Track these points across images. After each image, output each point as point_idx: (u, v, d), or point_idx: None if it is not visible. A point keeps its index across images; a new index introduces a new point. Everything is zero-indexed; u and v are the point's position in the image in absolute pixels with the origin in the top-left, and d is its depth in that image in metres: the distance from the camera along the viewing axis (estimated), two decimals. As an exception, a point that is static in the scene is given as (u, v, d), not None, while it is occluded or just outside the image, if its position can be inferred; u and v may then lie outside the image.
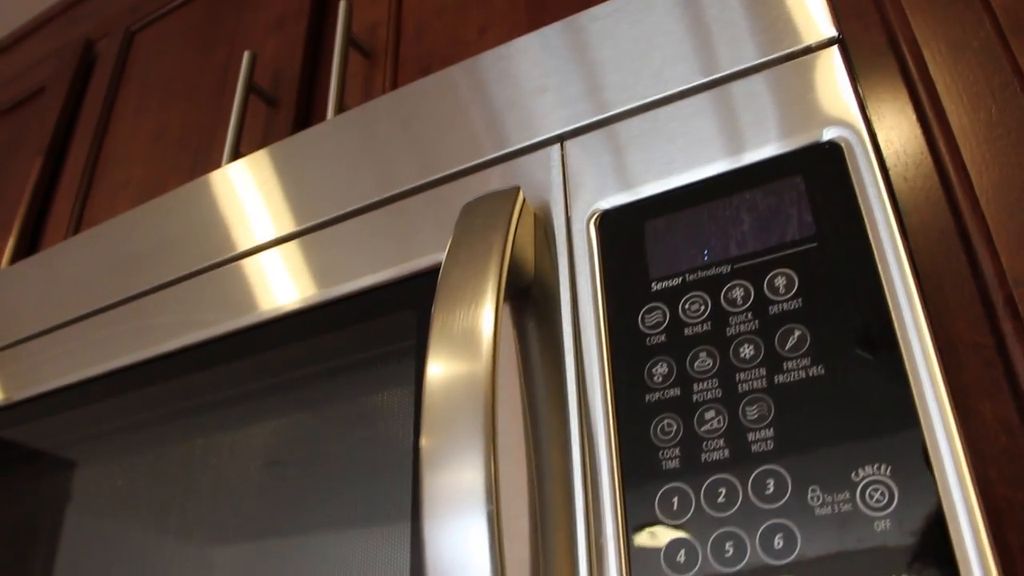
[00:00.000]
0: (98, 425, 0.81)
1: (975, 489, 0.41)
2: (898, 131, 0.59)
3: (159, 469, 0.73)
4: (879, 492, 0.42)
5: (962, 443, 0.43)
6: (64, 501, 0.80)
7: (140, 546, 0.71)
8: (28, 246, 1.24)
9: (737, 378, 0.48)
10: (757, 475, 0.45)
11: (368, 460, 0.61)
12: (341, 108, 0.89)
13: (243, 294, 0.74)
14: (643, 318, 0.52)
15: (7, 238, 1.25)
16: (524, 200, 0.57)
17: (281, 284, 0.72)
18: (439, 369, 0.48)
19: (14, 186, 1.32)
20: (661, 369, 0.50)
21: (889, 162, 0.57)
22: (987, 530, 0.41)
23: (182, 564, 0.67)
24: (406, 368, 0.62)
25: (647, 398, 0.50)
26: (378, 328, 0.65)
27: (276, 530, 0.63)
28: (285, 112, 1.00)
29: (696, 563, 0.45)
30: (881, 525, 0.42)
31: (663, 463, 0.48)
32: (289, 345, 0.69)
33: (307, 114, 1.01)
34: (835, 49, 0.56)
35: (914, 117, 0.59)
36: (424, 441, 0.46)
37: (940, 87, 0.59)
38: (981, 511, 0.41)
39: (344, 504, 0.60)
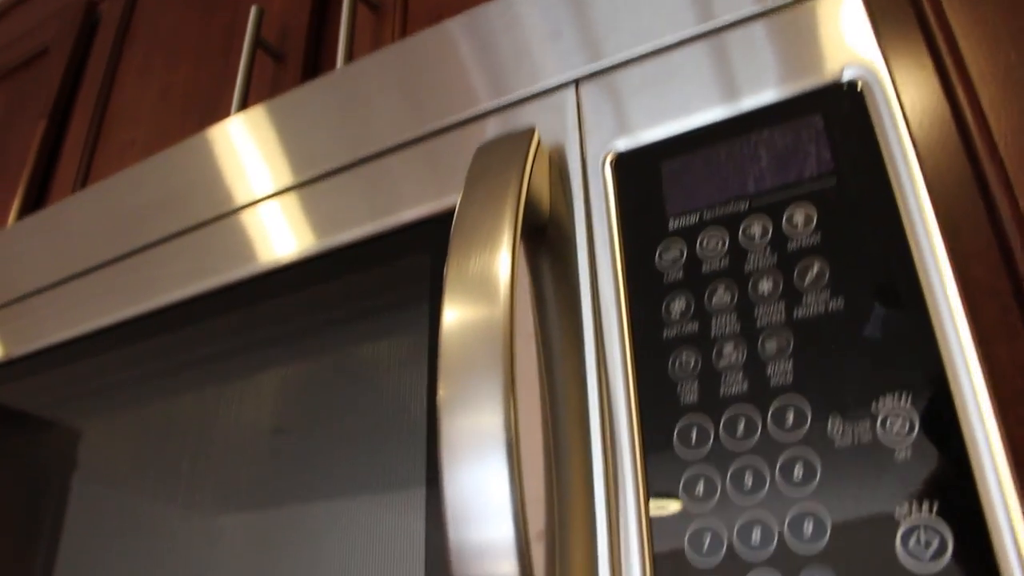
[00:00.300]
0: (105, 377, 0.80)
1: (995, 418, 0.41)
2: (915, 76, 0.58)
3: (165, 426, 0.73)
4: (900, 421, 0.42)
5: (982, 371, 0.42)
6: (69, 461, 0.79)
7: (146, 507, 0.71)
8: (33, 209, 1.23)
9: (756, 312, 0.47)
10: (776, 407, 0.45)
11: (380, 419, 0.60)
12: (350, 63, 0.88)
13: (251, 243, 0.73)
14: (660, 255, 0.52)
15: (12, 201, 1.25)
16: (539, 140, 0.56)
17: (290, 232, 0.71)
18: (456, 314, 0.48)
19: (17, 150, 1.31)
20: (679, 305, 0.50)
21: (906, 108, 0.57)
22: (1008, 455, 0.40)
23: (189, 528, 0.67)
24: (419, 316, 0.61)
25: (664, 334, 0.50)
26: (391, 274, 0.64)
27: (285, 495, 0.63)
28: (293, 68, 0.99)
29: (715, 495, 0.45)
30: (902, 455, 0.41)
31: (681, 397, 0.47)
32: (300, 292, 0.69)
33: (315, 70, 1.00)
34: (854, -11, 0.56)
35: (931, 63, 0.58)
36: (442, 385, 0.46)
37: (958, 32, 0.58)
38: (1002, 438, 0.41)
39: (355, 468, 0.60)
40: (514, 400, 0.44)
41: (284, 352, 0.69)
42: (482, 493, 0.42)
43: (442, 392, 0.45)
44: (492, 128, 0.64)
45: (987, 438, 0.41)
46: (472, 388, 0.44)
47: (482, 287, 0.48)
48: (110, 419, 0.78)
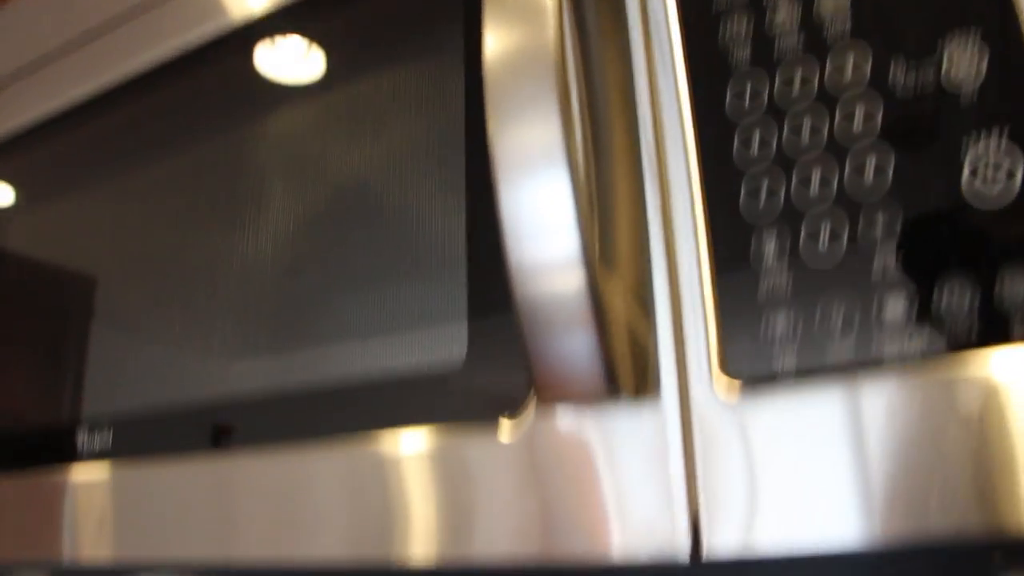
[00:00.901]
0: (120, 142, 0.78)
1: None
2: None
3: (177, 262, 0.71)
4: (967, 61, 0.40)
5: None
6: (86, 306, 0.78)
7: (163, 349, 0.69)
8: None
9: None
10: (834, 58, 0.43)
11: (413, 246, 0.58)
12: None
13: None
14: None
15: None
16: None
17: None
18: (499, 33, 0.44)
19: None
20: (728, -23, 0.47)
21: None
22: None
23: (205, 369, 0.66)
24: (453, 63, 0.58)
25: (713, 8, 0.47)
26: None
27: (309, 320, 0.61)
28: None
29: (772, 146, 0.43)
30: (969, 93, 0.40)
31: (734, 62, 0.45)
32: (325, 24, 0.66)
33: None
34: None
35: None
36: (489, 101, 0.42)
37: None
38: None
39: (386, 299, 0.57)
40: (570, 110, 0.41)
41: (304, 97, 0.66)
42: (543, 207, 0.40)
43: (491, 109, 0.42)
44: None
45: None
46: (525, 101, 0.41)
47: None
48: (123, 260, 0.76)
